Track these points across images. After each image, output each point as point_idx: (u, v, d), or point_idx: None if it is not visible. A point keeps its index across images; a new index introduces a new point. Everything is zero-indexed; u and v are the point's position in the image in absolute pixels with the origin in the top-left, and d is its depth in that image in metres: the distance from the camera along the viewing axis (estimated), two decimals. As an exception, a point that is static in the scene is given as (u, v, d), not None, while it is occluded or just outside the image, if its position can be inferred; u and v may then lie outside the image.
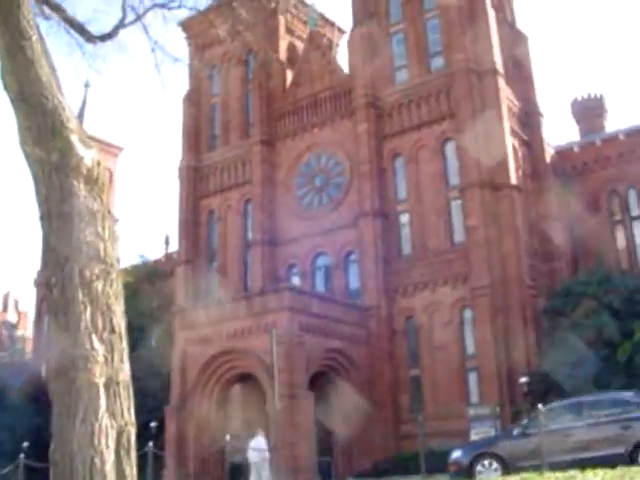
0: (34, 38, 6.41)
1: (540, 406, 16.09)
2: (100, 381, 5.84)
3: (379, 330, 35.11)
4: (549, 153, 40.93)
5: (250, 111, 44.58)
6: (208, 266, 43.45)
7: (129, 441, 5.92)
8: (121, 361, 6.07)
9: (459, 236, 35.54)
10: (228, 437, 24.14)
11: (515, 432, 16.63)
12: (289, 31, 45.90)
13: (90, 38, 8.79)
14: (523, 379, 29.85)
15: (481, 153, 34.45)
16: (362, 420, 31.15)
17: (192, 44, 46.58)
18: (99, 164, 6.50)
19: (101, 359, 5.89)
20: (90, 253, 6.11)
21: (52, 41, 8.25)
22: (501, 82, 36.82)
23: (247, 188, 42.67)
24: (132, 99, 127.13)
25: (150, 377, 33.41)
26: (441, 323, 34.71)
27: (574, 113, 50.66)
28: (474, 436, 27.29)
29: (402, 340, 35.54)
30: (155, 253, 54.50)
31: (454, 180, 36.43)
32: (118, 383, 5.97)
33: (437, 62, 38.86)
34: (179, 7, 9.83)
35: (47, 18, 8.43)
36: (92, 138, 38.99)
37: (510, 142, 36.39)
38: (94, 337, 5.92)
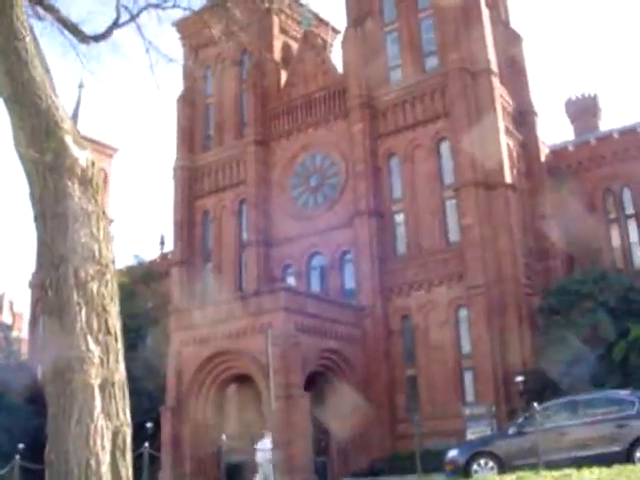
0: (28, 39, 6.40)
1: (536, 405, 16.07)
2: (95, 382, 5.83)
3: (375, 330, 35.12)
4: (544, 152, 41.02)
5: (244, 111, 44.54)
6: (203, 266, 43.43)
7: (125, 442, 5.92)
8: (116, 362, 6.06)
9: (454, 235, 35.56)
10: (224, 437, 24.11)
11: (511, 431, 16.60)
12: (283, 31, 45.87)
13: (84, 39, 8.77)
14: (519, 378, 29.84)
15: (476, 152, 34.52)
16: (358, 420, 31.17)
17: (186, 44, 46.52)
18: (93, 165, 6.49)
19: (97, 360, 5.89)
20: (85, 254, 6.10)
21: (46, 42, 8.24)
22: (496, 81, 36.86)
23: (242, 188, 42.62)
24: (126, 100, 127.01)
25: (146, 378, 33.38)
26: (437, 322, 34.72)
27: (569, 112, 50.80)
28: (470, 435, 27.26)
29: (398, 340, 35.57)
30: (150, 254, 54.55)
31: (449, 179, 36.47)
32: (113, 384, 5.96)
33: (432, 62, 38.88)
34: (173, 7, 9.81)
35: (41, 19, 8.41)
36: (86, 139, 38.62)
37: (505, 141, 36.45)
38: (89, 338, 5.91)
